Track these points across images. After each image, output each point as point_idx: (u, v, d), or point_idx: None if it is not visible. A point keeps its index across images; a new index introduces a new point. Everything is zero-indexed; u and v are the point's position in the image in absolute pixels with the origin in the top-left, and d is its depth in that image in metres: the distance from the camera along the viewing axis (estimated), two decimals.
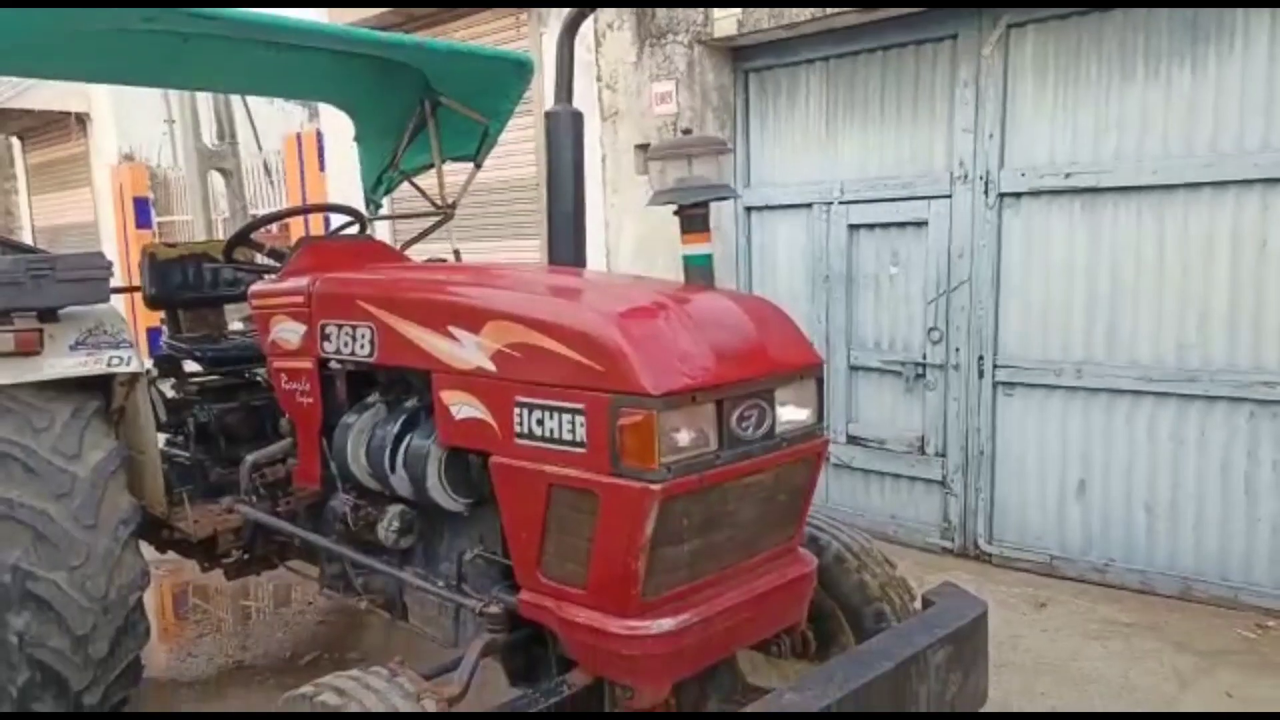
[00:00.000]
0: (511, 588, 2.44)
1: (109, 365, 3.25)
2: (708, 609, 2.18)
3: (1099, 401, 4.46)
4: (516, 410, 2.25)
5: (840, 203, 5.27)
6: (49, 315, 3.23)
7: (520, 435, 2.25)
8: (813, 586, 2.48)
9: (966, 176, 4.77)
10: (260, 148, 10.38)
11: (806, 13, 4.94)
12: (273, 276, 3.48)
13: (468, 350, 2.38)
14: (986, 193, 4.71)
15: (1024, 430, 4.73)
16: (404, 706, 1.93)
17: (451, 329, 2.43)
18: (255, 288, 3.23)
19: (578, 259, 3.26)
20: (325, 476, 3.00)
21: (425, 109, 4.33)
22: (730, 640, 2.30)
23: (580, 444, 2.11)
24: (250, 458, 3.17)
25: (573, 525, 2.17)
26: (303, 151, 9.08)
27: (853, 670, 2.04)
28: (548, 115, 3.16)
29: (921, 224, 4.97)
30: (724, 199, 2.37)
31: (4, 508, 2.96)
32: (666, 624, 2.11)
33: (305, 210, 3.71)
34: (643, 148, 6.03)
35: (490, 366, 2.32)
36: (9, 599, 2.97)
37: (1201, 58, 4.08)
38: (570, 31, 3.30)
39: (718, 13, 5.37)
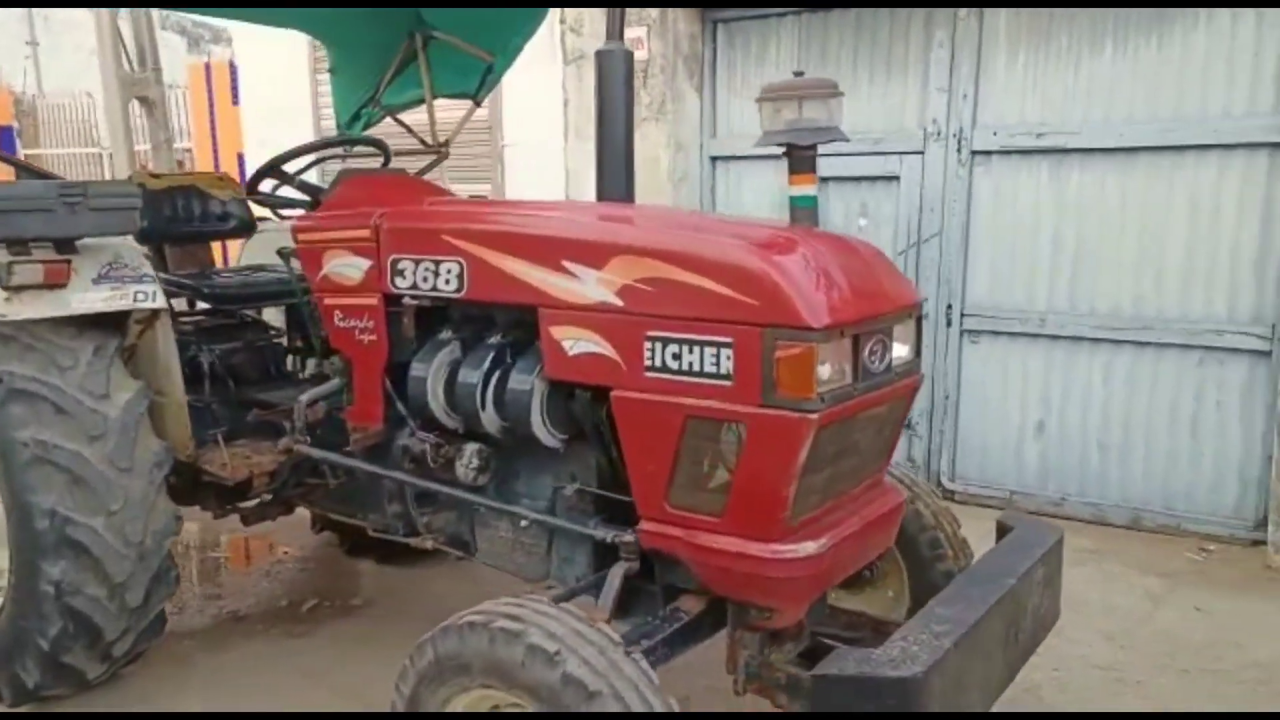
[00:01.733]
0: (610, 520, 2.50)
1: (135, 300, 3.06)
2: (838, 533, 2.29)
3: (1060, 348, 4.81)
4: (647, 344, 2.27)
5: None
6: (66, 246, 3.00)
7: (651, 369, 2.28)
8: (903, 515, 2.64)
9: (940, 134, 4.99)
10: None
11: None
12: (299, 211, 3.35)
13: (587, 285, 2.38)
14: (959, 150, 4.95)
15: (987, 375, 5.04)
16: (583, 629, 1.96)
17: (566, 264, 2.42)
18: (302, 221, 3.08)
19: (628, 200, 3.26)
20: (390, 415, 2.94)
21: (415, 42, 4.19)
22: (849, 564, 2.43)
23: (725, 376, 2.16)
24: (304, 397, 3.05)
25: (711, 455, 2.23)
26: (212, 83, 8.52)
27: (984, 588, 2.19)
28: (599, 54, 3.13)
29: (892, 178, 5.18)
30: (835, 141, 2.44)
31: (38, 450, 2.79)
32: (810, 546, 2.21)
33: (340, 142, 3.62)
34: None
35: (616, 301, 2.32)
36: (46, 546, 2.80)
37: (1168, 33, 4.40)
38: None
39: None
